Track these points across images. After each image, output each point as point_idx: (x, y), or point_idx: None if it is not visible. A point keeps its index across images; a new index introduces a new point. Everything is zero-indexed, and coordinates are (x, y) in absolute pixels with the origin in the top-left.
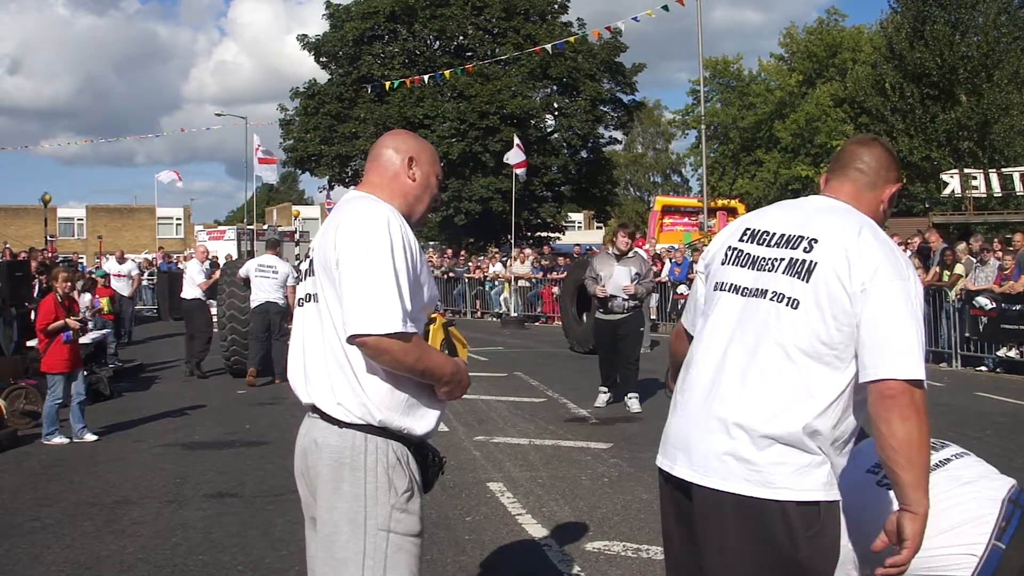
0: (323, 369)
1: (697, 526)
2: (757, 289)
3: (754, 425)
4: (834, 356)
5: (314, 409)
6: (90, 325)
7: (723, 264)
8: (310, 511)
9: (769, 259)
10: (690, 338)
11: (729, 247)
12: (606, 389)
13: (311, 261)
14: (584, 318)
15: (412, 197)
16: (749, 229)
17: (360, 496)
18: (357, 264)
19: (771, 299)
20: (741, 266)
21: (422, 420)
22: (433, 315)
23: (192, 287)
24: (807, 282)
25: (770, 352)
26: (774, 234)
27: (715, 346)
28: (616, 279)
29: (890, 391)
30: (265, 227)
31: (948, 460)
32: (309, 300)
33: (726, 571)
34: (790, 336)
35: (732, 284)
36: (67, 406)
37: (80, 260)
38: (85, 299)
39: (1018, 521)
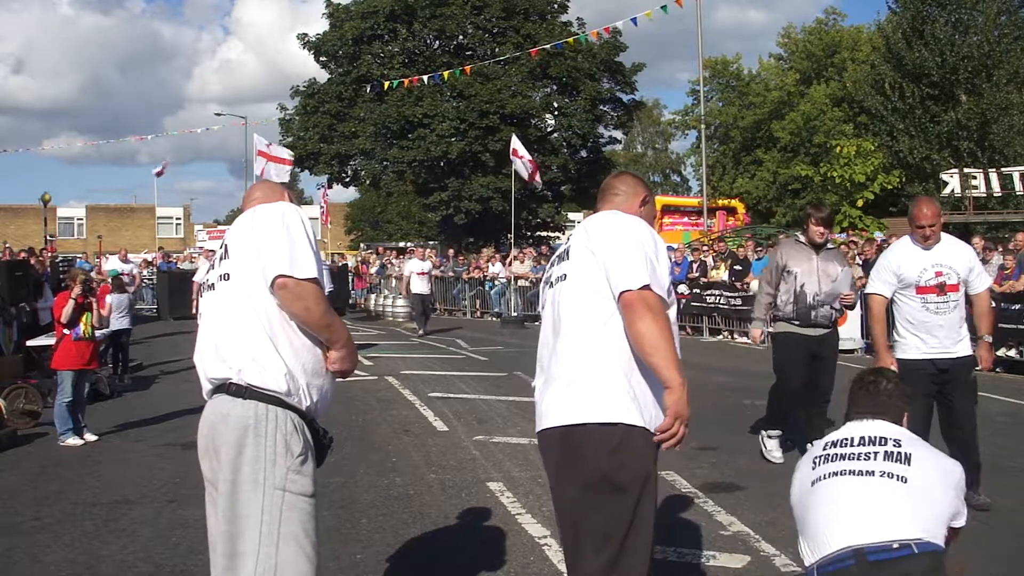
0: (239, 338)
1: (550, 467)
2: (555, 281)
3: (568, 372)
4: (600, 299)
5: (218, 389)
6: (121, 321)
7: (542, 298)
8: (212, 476)
9: (552, 271)
10: None
11: (541, 288)
12: (779, 433)
13: (225, 247)
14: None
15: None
16: (546, 274)
17: (261, 459)
18: (276, 229)
19: (559, 282)
20: (546, 289)
21: (316, 388)
22: None
23: None
24: (569, 259)
25: (566, 316)
26: (555, 258)
27: (544, 343)
28: (821, 278)
29: (627, 300)
30: None
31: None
32: (222, 280)
33: (563, 492)
34: (570, 298)
35: (546, 302)
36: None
37: (80, 260)
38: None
39: None
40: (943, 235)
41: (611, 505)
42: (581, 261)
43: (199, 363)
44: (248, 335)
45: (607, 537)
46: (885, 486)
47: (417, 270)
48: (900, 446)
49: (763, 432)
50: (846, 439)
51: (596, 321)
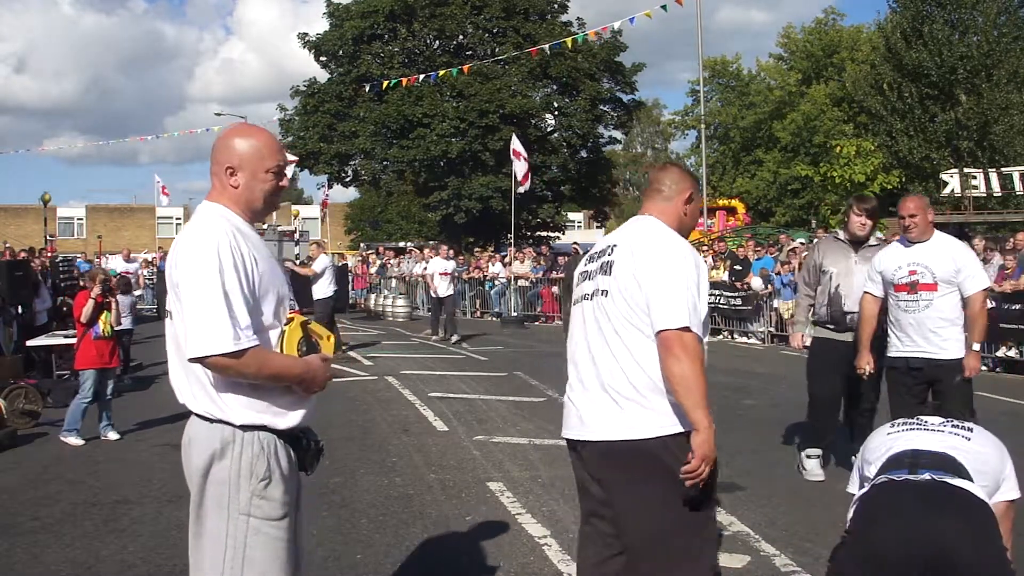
0: (184, 381)
1: (601, 475)
2: (594, 291)
3: (618, 388)
4: (644, 324)
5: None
6: (124, 322)
7: (577, 285)
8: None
9: (595, 268)
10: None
11: (579, 272)
12: (819, 452)
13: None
14: None
15: (243, 200)
16: (589, 255)
17: (225, 482)
18: (190, 288)
19: (598, 295)
20: (585, 280)
21: (284, 417)
22: (291, 315)
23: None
24: (611, 276)
25: (609, 332)
26: (598, 250)
27: (581, 342)
28: (858, 279)
29: (665, 339)
30: (265, 226)
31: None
32: (169, 315)
33: (636, 506)
34: (613, 318)
35: (582, 295)
36: (93, 403)
37: (79, 260)
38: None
39: None
40: (939, 235)
41: (683, 505)
42: (626, 283)
43: (170, 380)
44: (194, 383)
45: (676, 535)
46: (950, 435)
47: (440, 270)
48: (967, 423)
49: (801, 452)
50: (920, 419)
51: (646, 341)
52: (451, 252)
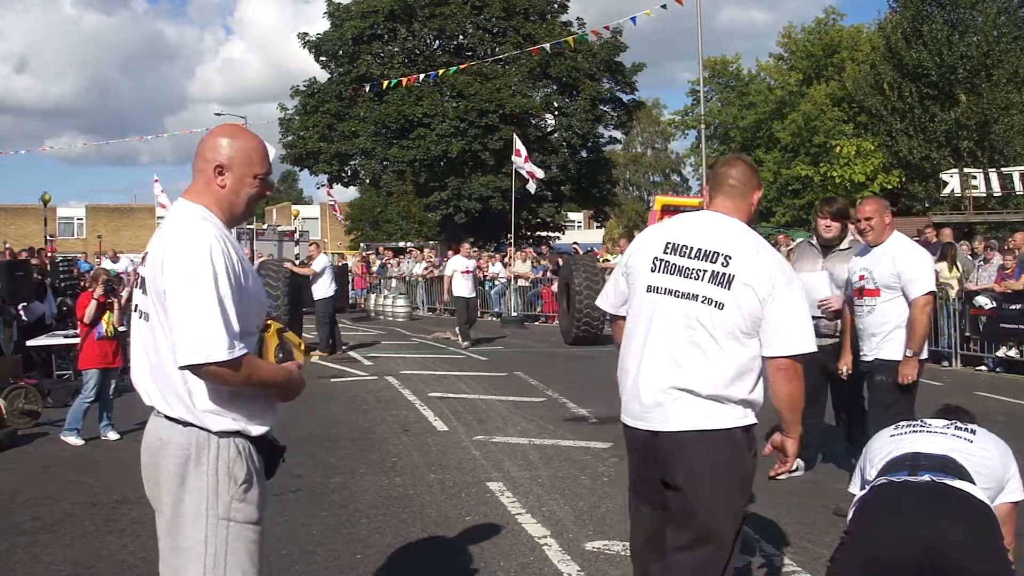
0: (152, 385)
1: (671, 463)
2: (689, 293)
3: (700, 389)
4: (747, 337)
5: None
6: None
7: (652, 272)
8: (156, 504)
9: (694, 269)
10: (616, 318)
11: (655, 257)
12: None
13: (143, 278)
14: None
15: (226, 202)
16: (669, 243)
17: (203, 488)
18: (182, 295)
19: (702, 302)
20: (670, 274)
21: (258, 423)
22: (268, 322)
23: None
24: (728, 290)
25: (705, 337)
26: (693, 247)
27: (662, 334)
28: (813, 287)
29: (786, 365)
30: (265, 227)
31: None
32: (143, 317)
33: (705, 492)
34: (719, 327)
35: (666, 288)
36: (95, 402)
37: (80, 260)
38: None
39: None
40: (895, 237)
41: (745, 495)
42: (745, 300)
43: (136, 384)
44: (175, 381)
45: (734, 520)
46: (952, 438)
47: (461, 268)
48: (970, 425)
49: None
50: (924, 421)
51: (745, 351)
52: (469, 250)
